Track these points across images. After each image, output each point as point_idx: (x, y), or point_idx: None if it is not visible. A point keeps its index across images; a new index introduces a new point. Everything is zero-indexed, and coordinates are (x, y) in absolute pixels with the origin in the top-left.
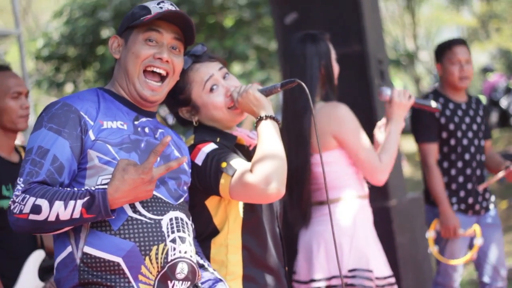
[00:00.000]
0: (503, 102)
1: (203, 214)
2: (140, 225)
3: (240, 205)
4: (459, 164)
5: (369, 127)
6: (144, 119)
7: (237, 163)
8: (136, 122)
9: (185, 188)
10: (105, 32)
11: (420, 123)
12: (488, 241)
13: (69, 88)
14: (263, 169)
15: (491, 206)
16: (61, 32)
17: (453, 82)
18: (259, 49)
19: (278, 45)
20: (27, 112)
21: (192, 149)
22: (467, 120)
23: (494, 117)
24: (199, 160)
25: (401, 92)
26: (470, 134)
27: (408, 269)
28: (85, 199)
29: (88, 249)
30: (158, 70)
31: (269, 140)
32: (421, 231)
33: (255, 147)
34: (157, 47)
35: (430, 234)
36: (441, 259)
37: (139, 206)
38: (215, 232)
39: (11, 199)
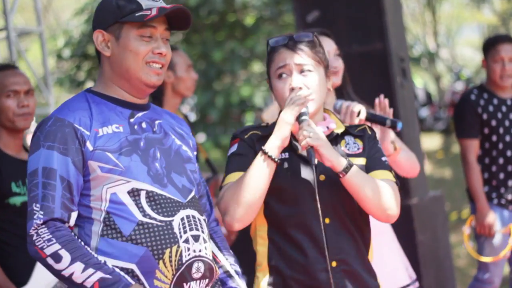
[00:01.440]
0: None
1: None
2: (151, 229)
3: (268, 197)
4: (500, 160)
5: None
6: (140, 114)
7: (229, 178)
8: (132, 120)
9: (193, 177)
10: None
11: (462, 119)
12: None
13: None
14: (228, 199)
15: None
16: (82, 30)
17: (495, 80)
18: None
19: None
20: (25, 111)
21: (230, 141)
22: (511, 116)
23: None
24: (228, 154)
25: (349, 106)
26: None
27: (429, 267)
28: (106, 275)
29: (100, 259)
30: (157, 65)
31: (251, 171)
32: (443, 229)
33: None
34: (153, 41)
35: (466, 230)
36: (474, 255)
37: (148, 209)
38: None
39: (33, 227)
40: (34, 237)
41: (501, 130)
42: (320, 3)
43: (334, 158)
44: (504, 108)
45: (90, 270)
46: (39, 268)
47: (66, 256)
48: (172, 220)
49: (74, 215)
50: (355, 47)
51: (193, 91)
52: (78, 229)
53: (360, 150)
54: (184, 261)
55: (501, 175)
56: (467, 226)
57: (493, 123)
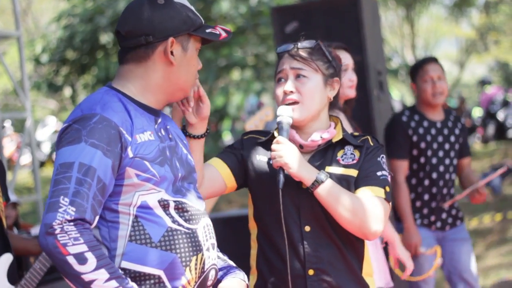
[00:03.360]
0: (500, 115)
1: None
2: (180, 236)
3: (258, 201)
4: (426, 182)
5: None
6: (159, 120)
7: (211, 161)
8: (156, 126)
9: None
10: (104, 38)
11: (393, 140)
12: (457, 255)
13: (67, 91)
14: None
15: (458, 222)
16: (59, 36)
17: (427, 99)
18: (257, 57)
19: None
20: None
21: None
22: (440, 139)
23: (491, 129)
24: None
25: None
26: (440, 153)
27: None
28: None
29: (126, 264)
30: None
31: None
32: None
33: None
34: (197, 56)
35: None
36: (398, 273)
37: (176, 216)
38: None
39: (58, 221)
40: (57, 231)
41: (429, 153)
42: (299, 15)
43: (303, 175)
44: (433, 131)
45: (113, 283)
46: None
47: (92, 260)
48: (197, 228)
49: (97, 218)
50: None
51: None
52: (99, 231)
53: (355, 161)
54: (205, 269)
55: (426, 196)
56: None
57: (422, 145)
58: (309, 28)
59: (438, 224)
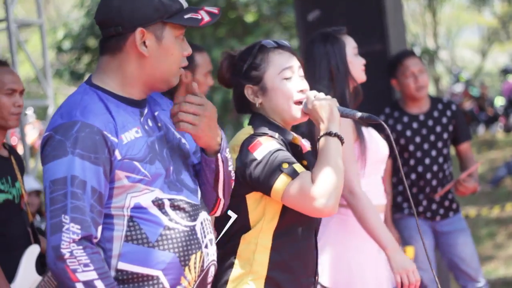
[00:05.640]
0: None
1: (240, 208)
2: (178, 234)
3: (281, 206)
4: (413, 176)
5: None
6: (145, 111)
7: (299, 168)
8: (142, 120)
9: (194, 173)
10: None
11: None
12: (453, 247)
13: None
14: (326, 184)
15: (451, 214)
16: (81, 23)
17: (411, 94)
18: None
19: (300, 42)
20: (19, 111)
21: (253, 140)
22: (424, 131)
23: None
24: (259, 154)
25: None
26: (425, 146)
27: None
28: None
29: (123, 265)
30: (183, 68)
31: (335, 157)
32: None
33: (307, 152)
34: (182, 42)
35: None
36: None
37: (173, 215)
38: (246, 228)
39: (66, 243)
40: (66, 256)
41: (411, 147)
42: (321, 3)
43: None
44: (415, 125)
45: None
46: (24, 265)
47: (100, 287)
48: (195, 225)
49: (100, 229)
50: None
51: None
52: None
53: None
54: (204, 266)
55: (414, 189)
56: None
57: (402, 141)
58: (331, 16)
59: (428, 214)
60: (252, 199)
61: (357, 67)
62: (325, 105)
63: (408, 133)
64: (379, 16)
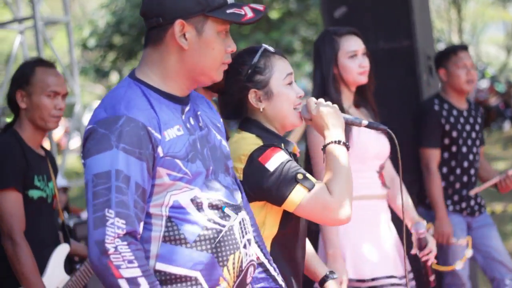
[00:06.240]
0: None
1: None
2: (216, 234)
3: (280, 215)
4: (458, 171)
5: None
6: (186, 108)
7: (312, 178)
8: (183, 117)
9: (234, 175)
10: None
11: (426, 128)
12: (488, 240)
13: (114, 77)
14: (344, 195)
15: (483, 209)
16: (107, 21)
17: (459, 86)
18: (306, 41)
19: (315, 40)
20: (60, 113)
21: (262, 151)
22: (468, 127)
23: None
24: (271, 165)
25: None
26: (469, 142)
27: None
28: None
29: (160, 266)
30: (226, 65)
31: (346, 165)
32: None
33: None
34: (226, 37)
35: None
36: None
37: (211, 214)
38: None
39: (110, 237)
40: (111, 251)
41: (460, 141)
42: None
43: None
44: (462, 120)
45: None
46: (53, 264)
47: (144, 286)
48: (233, 225)
49: (142, 225)
50: (382, 44)
51: None
52: None
53: None
54: (243, 267)
55: (457, 185)
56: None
57: (454, 134)
58: (358, 13)
59: (468, 210)
60: (255, 206)
61: (350, 71)
62: (331, 111)
63: (459, 126)
64: (406, 12)
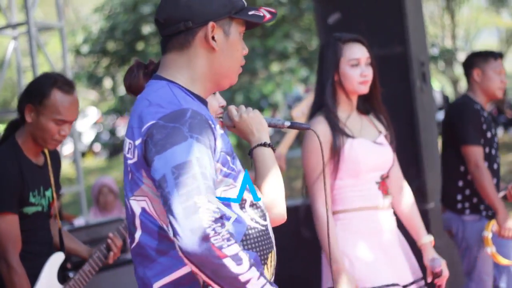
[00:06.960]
0: None
1: None
2: (258, 233)
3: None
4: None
5: (410, 129)
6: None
7: None
8: None
9: None
10: (146, 28)
11: (470, 126)
12: (504, 247)
13: (107, 83)
14: (273, 192)
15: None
16: (101, 27)
17: (492, 90)
18: (301, 47)
19: (320, 44)
20: (62, 139)
21: None
22: (493, 130)
23: None
24: None
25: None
26: (495, 145)
27: None
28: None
29: None
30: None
31: (275, 166)
32: None
33: None
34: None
35: (488, 235)
36: (498, 258)
37: (252, 213)
38: None
39: (207, 221)
40: (212, 235)
41: (492, 143)
42: (341, 5)
43: None
44: (491, 122)
45: (262, 280)
46: (46, 273)
47: (245, 259)
48: (268, 224)
49: None
50: (375, 50)
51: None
52: None
53: None
54: (275, 265)
55: None
56: (488, 231)
57: (488, 134)
58: (351, 18)
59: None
60: None
61: (350, 79)
62: (253, 116)
63: (492, 128)
64: (400, 18)
